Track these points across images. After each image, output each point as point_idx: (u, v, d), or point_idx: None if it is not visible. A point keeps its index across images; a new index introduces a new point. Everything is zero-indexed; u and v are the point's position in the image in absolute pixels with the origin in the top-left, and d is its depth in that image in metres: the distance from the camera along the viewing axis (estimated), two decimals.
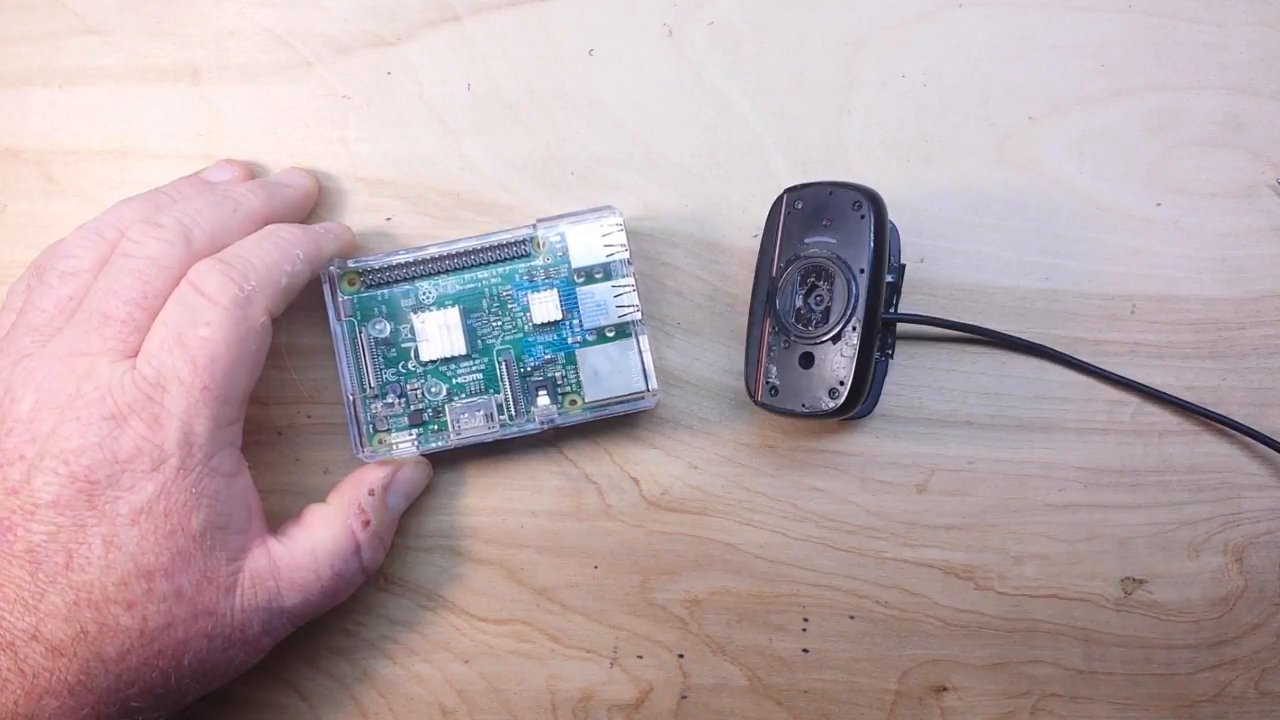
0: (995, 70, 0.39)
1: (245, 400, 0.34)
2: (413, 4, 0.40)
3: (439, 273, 0.38)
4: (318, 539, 0.36)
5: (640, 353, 0.37)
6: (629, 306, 0.37)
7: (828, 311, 0.36)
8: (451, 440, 0.37)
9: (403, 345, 0.38)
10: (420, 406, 0.37)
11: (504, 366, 0.38)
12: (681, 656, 0.39)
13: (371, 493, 0.36)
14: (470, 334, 0.38)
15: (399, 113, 0.40)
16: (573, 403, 0.37)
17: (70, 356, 0.33)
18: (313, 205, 0.40)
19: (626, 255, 0.37)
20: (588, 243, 0.38)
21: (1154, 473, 0.38)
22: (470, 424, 0.37)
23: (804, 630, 0.39)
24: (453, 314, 0.38)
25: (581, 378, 0.37)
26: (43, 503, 0.31)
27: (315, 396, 0.40)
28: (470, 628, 0.39)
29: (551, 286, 0.38)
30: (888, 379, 0.39)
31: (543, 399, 0.37)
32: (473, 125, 0.40)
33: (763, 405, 0.36)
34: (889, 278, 0.36)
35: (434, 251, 0.38)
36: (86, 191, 0.41)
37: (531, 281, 0.38)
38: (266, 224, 0.36)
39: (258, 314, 0.34)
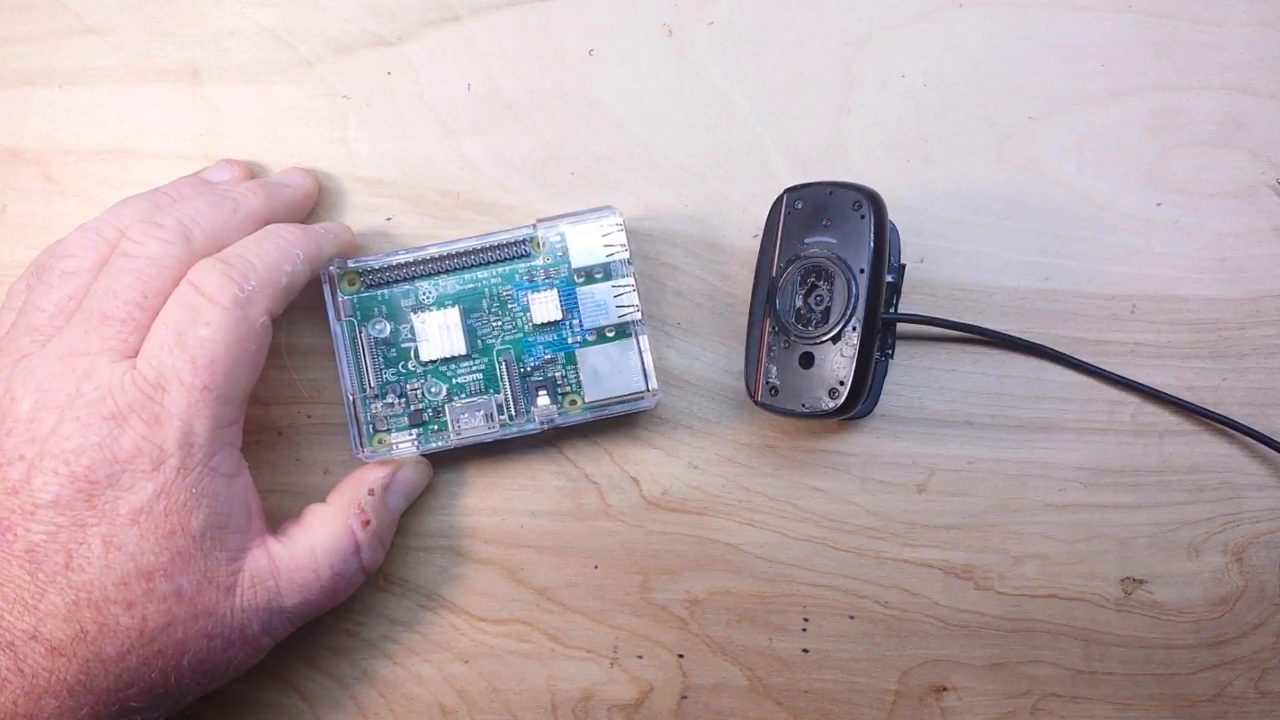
0: (995, 70, 0.39)
1: (245, 400, 0.34)
2: (413, 4, 0.40)
3: (439, 273, 0.38)
4: (318, 539, 0.35)
5: (640, 353, 0.37)
6: (629, 306, 0.37)
7: (828, 311, 0.35)
8: (451, 440, 0.37)
9: (403, 345, 0.38)
10: (420, 406, 0.37)
11: (504, 366, 0.38)
12: (681, 656, 0.39)
13: (371, 493, 0.36)
14: (470, 334, 0.38)
15: (399, 113, 0.40)
16: (573, 403, 0.37)
17: (70, 356, 0.33)
18: (313, 205, 0.40)
19: (626, 255, 0.37)
20: (588, 243, 0.38)
21: (1154, 473, 0.38)
22: (470, 424, 0.37)
23: (804, 630, 0.39)
24: (453, 314, 0.38)
25: (581, 378, 0.37)
26: (42, 502, 0.31)
27: (315, 396, 0.40)
28: (470, 628, 0.39)
29: (551, 286, 0.38)
30: (888, 379, 0.39)
31: (543, 399, 0.37)
32: (473, 125, 0.40)
33: (763, 405, 0.36)
34: (889, 278, 0.36)
35: (434, 251, 0.38)
36: (86, 191, 0.41)
37: (531, 281, 0.38)
38: (266, 224, 0.36)
39: (258, 314, 0.34)
